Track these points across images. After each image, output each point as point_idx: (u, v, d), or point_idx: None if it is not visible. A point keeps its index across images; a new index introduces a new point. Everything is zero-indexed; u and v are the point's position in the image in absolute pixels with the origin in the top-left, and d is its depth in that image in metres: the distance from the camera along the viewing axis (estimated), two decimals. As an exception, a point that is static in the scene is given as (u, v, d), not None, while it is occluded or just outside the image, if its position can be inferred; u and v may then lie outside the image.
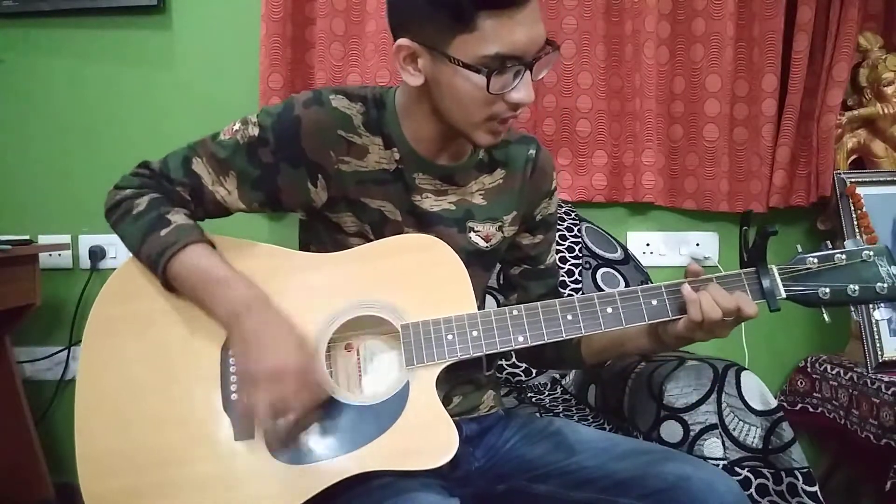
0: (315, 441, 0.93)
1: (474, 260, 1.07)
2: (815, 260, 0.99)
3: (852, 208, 1.70)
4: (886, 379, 1.54)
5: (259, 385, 0.90)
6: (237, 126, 1.03)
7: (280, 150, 1.00)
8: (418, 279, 1.00)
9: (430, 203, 1.06)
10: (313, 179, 1.02)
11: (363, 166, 1.03)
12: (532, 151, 1.15)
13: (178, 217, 0.99)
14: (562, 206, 1.81)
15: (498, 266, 1.23)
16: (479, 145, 1.01)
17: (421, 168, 1.05)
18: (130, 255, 1.02)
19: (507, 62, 0.90)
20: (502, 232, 1.12)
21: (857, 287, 0.98)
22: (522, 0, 0.89)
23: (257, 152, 1.01)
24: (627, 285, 1.72)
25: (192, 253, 0.96)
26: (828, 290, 0.98)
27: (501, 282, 1.25)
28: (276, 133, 1.00)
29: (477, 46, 0.89)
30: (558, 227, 1.73)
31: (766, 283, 0.98)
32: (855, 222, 1.69)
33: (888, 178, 1.74)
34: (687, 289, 0.98)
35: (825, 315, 0.99)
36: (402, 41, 0.94)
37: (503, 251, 1.16)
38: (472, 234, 1.09)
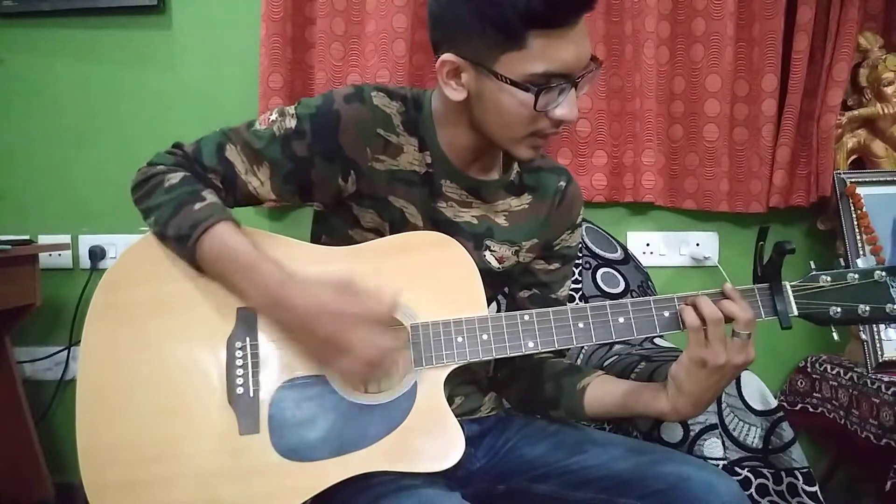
0: (320, 438, 0.93)
1: (483, 279, 1.04)
2: (829, 278, 0.99)
3: (852, 208, 1.70)
4: (886, 379, 1.54)
5: (337, 352, 0.90)
6: (274, 116, 1.01)
7: (316, 143, 0.99)
8: (430, 278, 1.00)
9: (452, 212, 1.06)
10: (345, 175, 1.01)
11: (396, 165, 1.02)
12: (563, 183, 1.15)
13: (211, 195, 0.98)
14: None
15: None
16: (520, 159, 1.01)
17: (450, 176, 1.05)
18: (129, 246, 1.01)
19: (553, 80, 0.90)
20: (517, 257, 1.12)
21: (867, 308, 0.98)
22: (573, 20, 0.88)
23: (292, 145, 0.99)
24: (628, 285, 1.72)
25: (223, 231, 0.94)
26: (839, 309, 0.98)
27: (508, 303, 1.23)
28: (314, 126, 0.99)
29: (525, 64, 0.89)
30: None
31: (779, 300, 0.98)
32: (855, 222, 1.69)
33: (888, 178, 1.74)
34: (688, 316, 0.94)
35: (835, 333, 1.00)
36: (447, 56, 0.93)
37: (514, 274, 1.15)
38: (486, 253, 1.08)
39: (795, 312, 0.99)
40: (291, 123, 1.00)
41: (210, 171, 1.01)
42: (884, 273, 0.98)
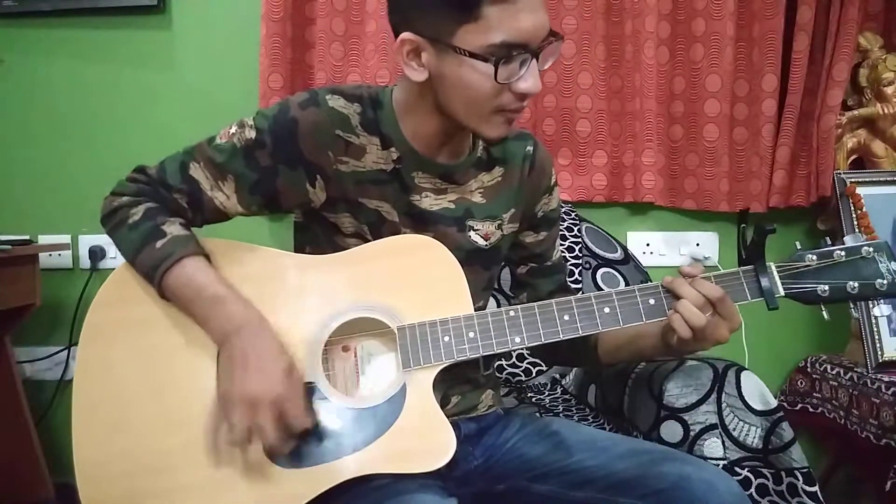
0: (313, 443, 0.93)
1: (474, 259, 1.07)
2: (815, 257, 0.98)
3: (852, 208, 1.70)
4: (886, 379, 1.54)
5: (235, 408, 0.90)
6: (233, 129, 1.01)
7: (278, 152, 0.99)
8: (414, 280, 1.00)
9: (429, 202, 1.06)
10: (311, 180, 1.01)
11: (361, 166, 1.02)
12: (529, 148, 1.15)
13: (173, 228, 0.98)
14: (562, 206, 1.80)
15: (504, 265, 1.23)
16: (488, 139, 0.99)
17: (420, 167, 1.04)
18: (120, 265, 1.01)
19: (513, 50, 0.90)
20: (501, 230, 1.12)
21: (856, 284, 0.97)
22: None
23: (255, 155, 1.00)
24: (627, 285, 1.72)
25: (186, 267, 0.95)
26: (827, 287, 0.98)
27: (511, 281, 1.25)
28: (273, 135, 0.99)
29: (482, 36, 0.89)
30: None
31: (764, 281, 0.98)
32: (855, 222, 1.69)
33: (888, 178, 1.74)
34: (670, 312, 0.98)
35: (825, 312, 0.99)
36: (406, 35, 0.93)
37: (504, 249, 1.15)
38: (471, 233, 1.08)
39: (782, 293, 0.98)
40: (251, 134, 1.00)
41: (175, 191, 1.01)
42: (871, 248, 0.97)
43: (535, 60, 0.92)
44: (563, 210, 1.79)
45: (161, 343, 0.98)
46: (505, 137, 1.00)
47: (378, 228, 1.04)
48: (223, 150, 1.01)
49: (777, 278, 0.99)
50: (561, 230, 1.75)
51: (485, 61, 0.90)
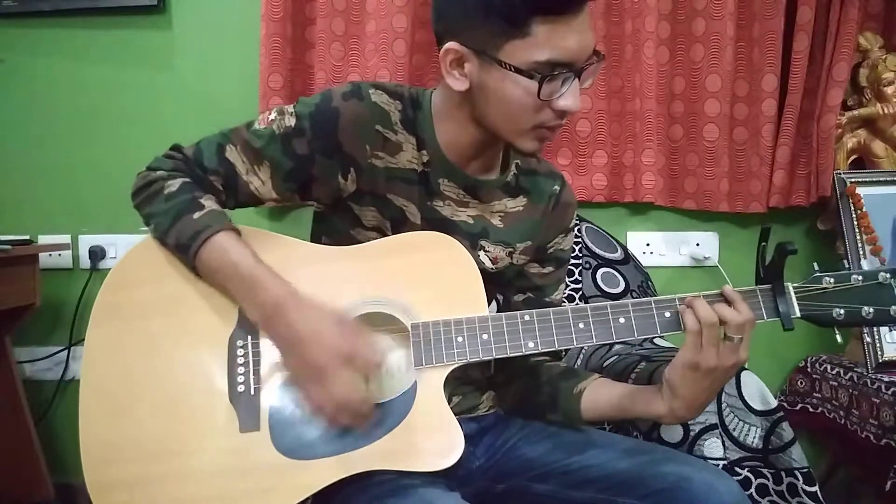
0: (320, 436, 0.93)
1: None
2: (832, 280, 0.99)
3: (852, 208, 1.70)
4: (886, 379, 1.54)
5: (311, 388, 0.90)
6: (273, 115, 1.01)
7: (316, 140, 0.99)
8: (431, 278, 1.00)
9: (449, 211, 1.06)
10: (344, 172, 1.01)
11: (394, 163, 1.03)
12: (557, 188, 1.15)
13: (209, 202, 0.98)
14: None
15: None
16: (523, 152, 1.00)
17: (447, 174, 1.05)
18: (132, 246, 1.01)
19: (556, 69, 0.90)
20: (511, 258, 1.12)
21: (871, 309, 0.97)
22: (577, 7, 0.89)
23: (292, 143, 1.00)
24: (627, 285, 1.72)
25: (222, 241, 0.95)
26: (842, 311, 0.98)
27: (503, 308, 1.21)
28: (314, 123, 0.99)
29: (529, 52, 0.89)
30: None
31: (781, 301, 0.98)
32: (855, 222, 1.69)
33: (888, 178, 1.74)
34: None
35: (838, 336, 0.99)
36: (451, 45, 0.94)
37: (508, 276, 1.15)
38: (481, 253, 1.08)
39: (798, 314, 0.98)
40: (291, 122, 1.00)
41: (211, 173, 1.01)
42: (888, 275, 0.98)
43: (577, 79, 0.92)
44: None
45: (170, 326, 0.98)
46: (537, 152, 1.01)
47: (399, 227, 1.04)
48: (261, 135, 1.01)
49: (794, 300, 0.98)
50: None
51: (529, 78, 0.90)
